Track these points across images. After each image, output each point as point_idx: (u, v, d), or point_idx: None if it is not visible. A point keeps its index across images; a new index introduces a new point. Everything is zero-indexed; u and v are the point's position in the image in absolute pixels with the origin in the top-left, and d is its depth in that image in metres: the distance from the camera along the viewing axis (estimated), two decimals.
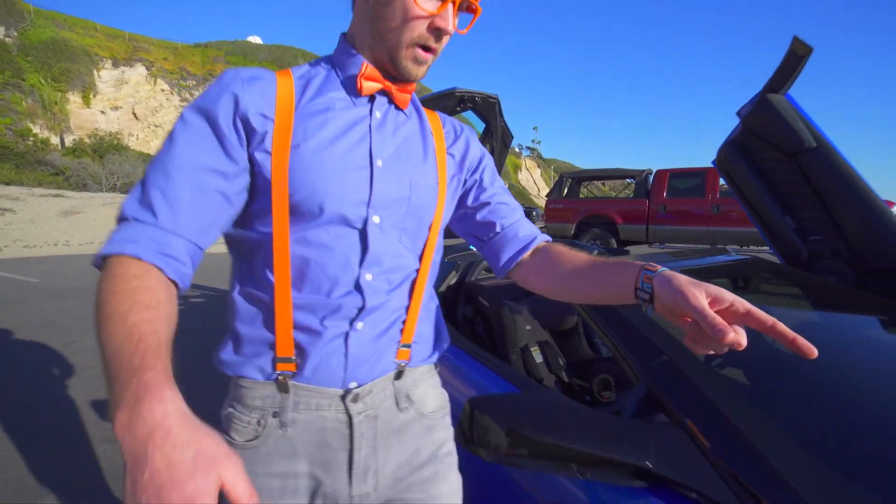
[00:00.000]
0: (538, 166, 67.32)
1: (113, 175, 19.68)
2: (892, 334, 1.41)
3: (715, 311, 0.47)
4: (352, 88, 0.63)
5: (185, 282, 0.53)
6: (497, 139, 2.86)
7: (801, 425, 0.86)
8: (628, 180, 9.37)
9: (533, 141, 75.55)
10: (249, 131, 0.57)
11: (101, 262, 0.50)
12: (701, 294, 0.48)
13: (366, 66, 0.61)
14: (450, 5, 0.57)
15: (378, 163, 0.62)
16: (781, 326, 0.45)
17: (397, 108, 0.67)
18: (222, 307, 0.65)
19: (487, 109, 2.65)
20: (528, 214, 1.12)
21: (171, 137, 0.55)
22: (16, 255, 8.74)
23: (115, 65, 26.58)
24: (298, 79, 0.63)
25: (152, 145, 26.99)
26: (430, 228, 0.69)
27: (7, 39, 22.76)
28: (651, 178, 8.07)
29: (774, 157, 1.82)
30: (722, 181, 7.70)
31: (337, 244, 0.59)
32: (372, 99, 0.64)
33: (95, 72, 25.56)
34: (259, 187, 0.59)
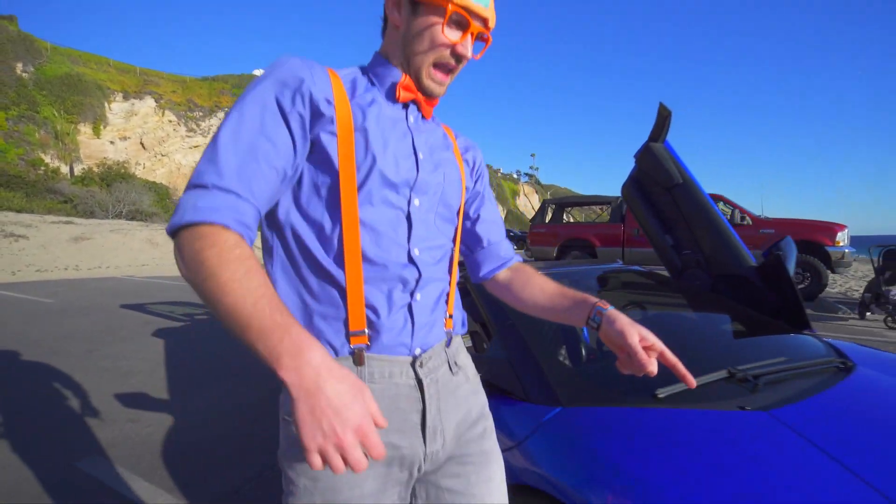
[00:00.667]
0: (536, 192, 68.53)
1: (119, 202, 20.40)
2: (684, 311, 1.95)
3: (641, 345, 0.65)
4: (390, 94, 0.70)
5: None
6: None
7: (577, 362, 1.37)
8: (605, 206, 9.95)
9: (531, 167, 77.38)
10: (315, 114, 0.61)
11: (183, 228, 0.52)
12: (635, 335, 0.66)
13: (405, 77, 0.69)
14: (469, 35, 0.67)
15: (420, 155, 0.70)
16: (676, 362, 0.65)
17: (423, 117, 0.75)
18: (221, 334, 1.06)
19: None
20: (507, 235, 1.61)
21: (241, 110, 0.58)
22: (29, 278, 9.25)
23: (126, 97, 27.75)
24: (344, 77, 0.68)
25: (158, 173, 27.90)
26: (457, 214, 0.80)
27: (24, 75, 23.93)
28: (626, 204, 8.66)
29: (657, 190, 2.35)
30: None
31: (390, 222, 0.66)
32: (405, 106, 0.72)
33: (106, 104, 26.67)
34: (324, 164, 0.63)
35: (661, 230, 2.38)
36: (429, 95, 0.71)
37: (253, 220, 0.57)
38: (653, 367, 0.65)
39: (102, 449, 2.22)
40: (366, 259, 0.64)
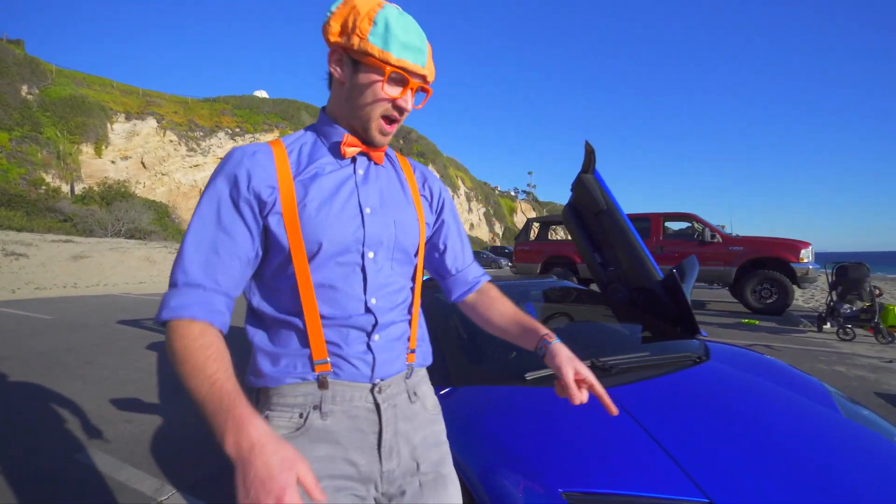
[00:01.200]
0: (533, 209, 69.31)
1: (119, 221, 20.77)
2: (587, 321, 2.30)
3: (575, 380, 0.76)
4: (336, 153, 0.76)
5: (226, 328, 0.67)
6: None
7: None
8: None
9: (529, 185, 78.46)
10: (261, 202, 0.69)
11: (163, 324, 0.64)
12: (570, 372, 0.76)
13: (346, 136, 0.75)
14: (409, 91, 0.73)
15: (367, 210, 0.76)
16: (603, 393, 0.76)
17: (375, 163, 0.80)
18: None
19: None
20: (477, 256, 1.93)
21: (200, 210, 0.68)
22: (28, 296, 9.52)
23: (128, 118, 28.41)
24: (289, 147, 0.75)
25: (158, 192, 28.35)
26: (415, 255, 0.83)
27: (29, 97, 24.57)
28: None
29: (588, 214, 2.71)
30: (666, 224, 8.70)
31: (345, 278, 0.73)
32: (354, 160, 0.78)
33: (109, 125, 27.30)
34: (276, 244, 0.71)
35: (591, 249, 2.74)
36: (375, 146, 0.77)
37: (223, 305, 0.68)
38: (582, 398, 0.75)
39: (98, 444, 2.52)
40: (323, 316, 0.72)
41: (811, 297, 11.23)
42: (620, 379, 1.44)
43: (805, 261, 7.23)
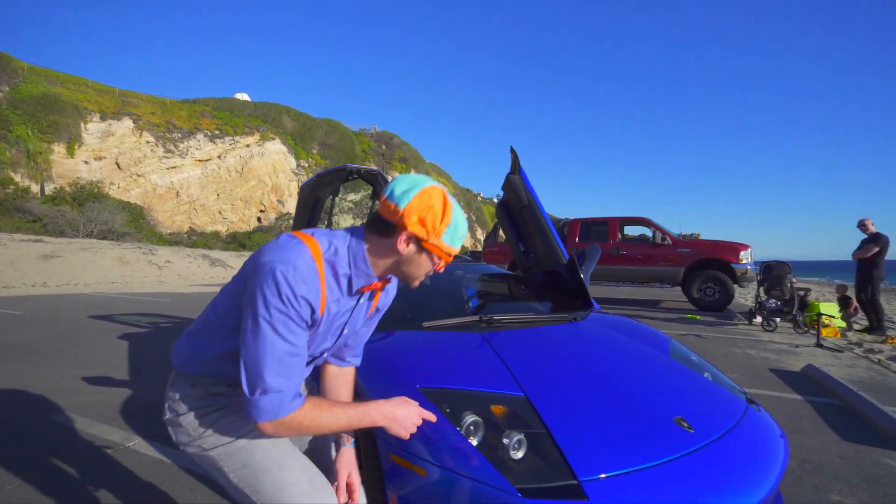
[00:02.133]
0: None
1: (91, 222, 20.48)
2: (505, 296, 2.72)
3: (346, 481, 1.04)
4: (354, 289, 0.97)
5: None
6: None
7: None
8: None
9: None
10: (311, 322, 0.92)
11: (274, 420, 0.86)
12: (345, 475, 1.03)
13: (372, 285, 0.98)
14: (443, 262, 0.96)
15: (346, 331, 1.04)
16: (354, 492, 1.04)
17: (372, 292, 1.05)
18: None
19: (371, 179, 3.95)
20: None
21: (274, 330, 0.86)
22: None
23: (103, 118, 27.98)
24: (327, 266, 0.92)
25: (133, 193, 27.94)
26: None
27: None
28: (567, 226, 9.60)
29: (516, 210, 3.14)
30: (624, 229, 9.29)
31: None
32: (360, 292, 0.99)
33: (83, 124, 26.85)
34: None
35: (517, 239, 3.16)
36: (409, 285, 1.01)
37: (298, 390, 0.91)
38: (342, 500, 1.02)
39: (72, 408, 2.80)
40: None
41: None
42: (497, 328, 1.86)
43: (744, 262, 7.86)
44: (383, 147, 41.92)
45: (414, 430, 1.00)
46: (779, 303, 6.27)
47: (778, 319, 6.26)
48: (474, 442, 1.20)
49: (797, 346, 5.01)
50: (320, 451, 1.15)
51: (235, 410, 1.02)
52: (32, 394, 3.13)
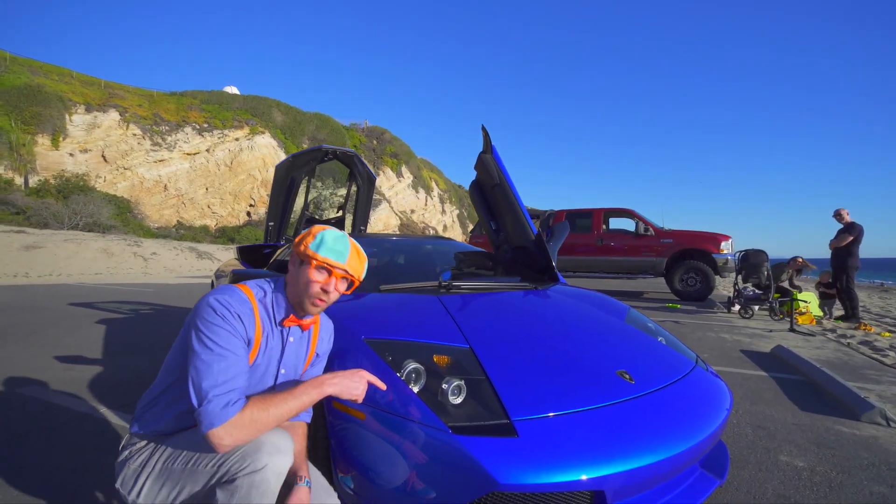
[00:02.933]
0: None
1: (76, 214, 20.18)
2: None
3: None
4: (278, 322, 1.14)
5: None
6: (363, 181, 4.15)
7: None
8: (536, 219, 10.95)
9: None
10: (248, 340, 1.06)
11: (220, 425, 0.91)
12: None
13: (291, 317, 1.15)
14: (333, 279, 1.11)
15: (282, 371, 1.16)
16: None
17: (302, 330, 1.20)
18: (166, 321, 1.63)
19: (347, 160, 3.96)
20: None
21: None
22: None
23: (89, 110, 27.52)
24: (260, 305, 1.11)
25: (119, 186, 27.54)
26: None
27: None
28: (552, 217, 9.65)
29: (488, 189, 3.16)
30: (609, 221, 9.37)
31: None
32: (289, 329, 1.16)
33: (67, 116, 26.38)
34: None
35: (488, 218, 3.19)
36: (312, 314, 1.15)
37: (242, 393, 0.99)
38: None
39: (40, 382, 2.79)
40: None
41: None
42: (455, 293, 1.88)
43: (725, 252, 7.98)
44: (374, 142, 41.74)
45: (363, 393, 1.12)
46: (756, 290, 6.38)
47: (756, 307, 6.38)
48: (415, 388, 1.23)
49: (771, 331, 5.11)
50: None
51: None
52: (4, 370, 3.10)
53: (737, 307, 6.44)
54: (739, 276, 6.57)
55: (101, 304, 6.65)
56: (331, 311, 1.58)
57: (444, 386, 1.23)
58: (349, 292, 1.19)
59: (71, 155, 26.27)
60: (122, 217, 23.78)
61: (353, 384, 1.10)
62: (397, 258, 2.67)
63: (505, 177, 3.06)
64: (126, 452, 1.09)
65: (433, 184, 49.17)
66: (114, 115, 28.39)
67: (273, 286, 1.18)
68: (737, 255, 6.96)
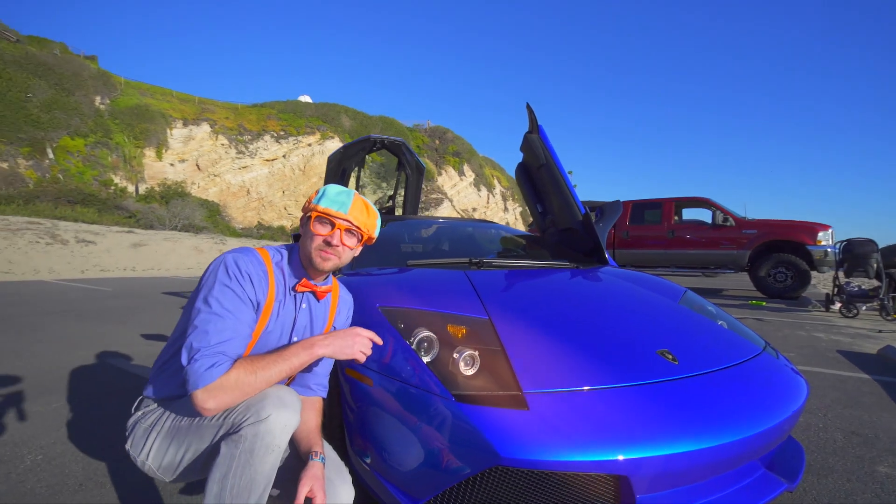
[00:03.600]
0: None
1: (175, 217, 22.75)
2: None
3: (307, 495, 0.92)
4: (292, 287, 1.11)
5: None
6: (412, 169, 4.17)
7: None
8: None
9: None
10: (256, 304, 1.04)
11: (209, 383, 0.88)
12: (307, 486, 0.93)
13: (304, 281, 1.11)
14: (337, 231, 1.07)
15: (295, 339, 1.11)
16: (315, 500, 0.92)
17: (318, 299, 1.16)
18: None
19: (395, 149, 3.99)
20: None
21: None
22: (94, 276, 10.82)
23: (185, 124, 30.85)
24: (276, 269, 1.10)
25: (210, 192, 30.56)
26: None
27: (101, 106, 27.33)
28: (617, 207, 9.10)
29: (534, 170, 3.02)
30: (682, 212, 8.66)
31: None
32: (303, 293, 1.12)
33: (168, 130, 29.79)
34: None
35: (534, 201, 3.04)
36: (320, 272, 1.12)
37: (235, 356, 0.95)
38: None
39: (125, 356, 3.12)
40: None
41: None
42: (485, 268, 1.79)
43: (823, 243, 6.99)
44: (437, 142, 42.26)
45: (366, 353, 1.07)
46: (861, 286, 5.50)
47: (864, 306, 5.49)
48: (426, 358, 1.17)
49: (880, 332, 4.37)
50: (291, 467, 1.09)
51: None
52: (99, 344, 3.53)
53: (837, 305, 5.60)
54: (841, 270, 5.70)
55: (188, 293, 7.39)
56: (352, 284, 1.57)
57: (455, 356, 1.15)
58: (358, 246, 1.13)
59: (171, 165, 29.64)
60: (212, 219, 26.37)
61: (347, 343, 1.04)
62: (435, 238, 2.62)
63: (552, 156, 2.90)
64: (138, 414, 1.09)
65: (495, 181, 48.72)
66: (205, 128, 31.56)
67: (289, 250, 1.17)
68: (837, 245, 6.05)
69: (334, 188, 1.11)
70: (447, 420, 1.01)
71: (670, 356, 1.26)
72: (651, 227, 8.47)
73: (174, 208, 23.25)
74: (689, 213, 8.86)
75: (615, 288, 1.77)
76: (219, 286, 0.98)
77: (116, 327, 4.25)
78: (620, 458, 0.94)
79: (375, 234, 1.17)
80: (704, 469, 1.04)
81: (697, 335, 1.44)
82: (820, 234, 7.00)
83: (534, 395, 1.04)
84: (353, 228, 1.09)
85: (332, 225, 1.07)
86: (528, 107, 2.93)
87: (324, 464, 1.02)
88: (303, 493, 0.93)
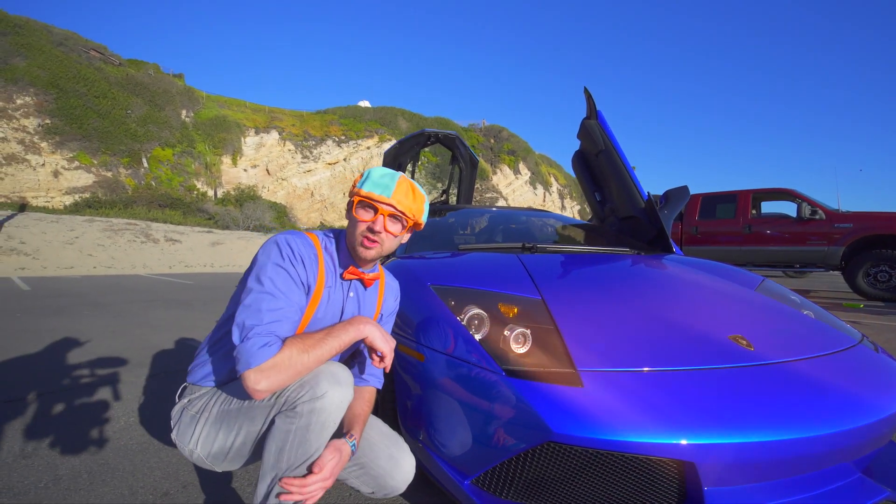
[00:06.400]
0: None
1: (248, 218, 24.60)
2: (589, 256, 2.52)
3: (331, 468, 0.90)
4: (340, 274, 1.08)
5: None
6: (465, 163, 4.16)
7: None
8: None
9: None
10: (307, 287, 1.01)
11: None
12: (329, 462, 0.90)
13: (351, 268, 1.06)
14: (380, 217, 1.00)
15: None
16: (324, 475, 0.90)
17: (365, 287, 1.13)
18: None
19: (449, 143, 4.00)
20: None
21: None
22: (180, 271, 11.98)
23: (257, 132, 33.22)
24: (325, 254, 1.06)
25: (278, 195, 32.65)
26: None
27: (187, 119, 30.18)
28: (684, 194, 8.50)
29: (592, 157, 2.90)
30: (761, 205, 7.94)
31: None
32: (351, 281, 1.09)
33: (242, 139, 32.23)
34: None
35: (593, 189, 2.91)
36: (364, 260, 1.05)
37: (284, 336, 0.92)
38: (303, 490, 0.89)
39: (201, 337, 3.41)
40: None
41: None
42: (539, 252, 1.74)
43: None
44: (492, 140, 42.05)
45: (390, 352, 1.01)
46: None
47: None
48: (477, 335, 1.16)
49: None
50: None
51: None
52: (180, 328, 3.90)
53: None
54: None
55: None
56: (406, 265, 1.59)
57: (507, 333, 1.13)
58: (403, 233, 1.06)
59: (244, 170, 32.05)
60: (280, 220, 28.16)
61: (388, 337, 1.01)
62: (489, 227, 2.60)
63: (611, 141, 2.76)
64: (183, 402, 1.05)
65: (552, 179, 47.56)
66: (274, 135, 33.77)
67: (336, 236, 1.13)
68: None
69: (379, 170, 1.03)
70: (497, 395, 0.99)
71: (745, 342, 1.15)
72: (724, 221, 7.82)
73: (247, 210, 25.14)
74: (768, 207, 8.08)
75: (681, 274, 1.65)
76: (272, 266, 0.95)
77: (195, 314, 4.66)
78: (684, 442, 0.87)
79: (423, 219, 1.10)
80: (783, 465, 0.94)
81: (777, 322, 1.31)
82: None
83: (588, 372, 0.99)
84: (398, 214, 1.02)
85: (376, 210, 1.00)
86: (586, 91, 2.82)
87: (353, 451, 0.98)
88: (322, 470, 0.89)
